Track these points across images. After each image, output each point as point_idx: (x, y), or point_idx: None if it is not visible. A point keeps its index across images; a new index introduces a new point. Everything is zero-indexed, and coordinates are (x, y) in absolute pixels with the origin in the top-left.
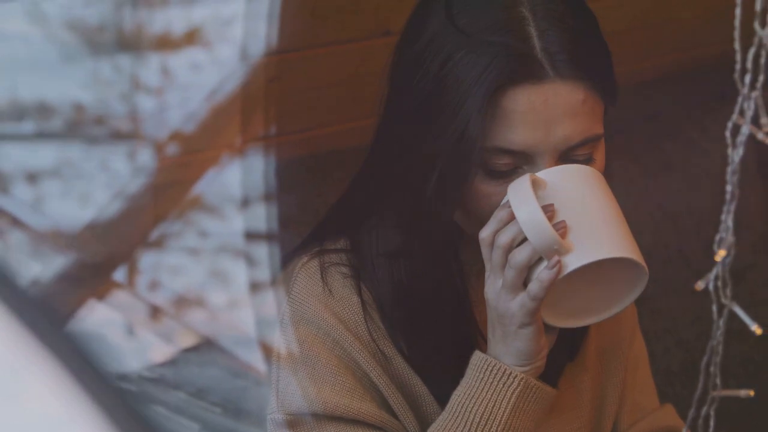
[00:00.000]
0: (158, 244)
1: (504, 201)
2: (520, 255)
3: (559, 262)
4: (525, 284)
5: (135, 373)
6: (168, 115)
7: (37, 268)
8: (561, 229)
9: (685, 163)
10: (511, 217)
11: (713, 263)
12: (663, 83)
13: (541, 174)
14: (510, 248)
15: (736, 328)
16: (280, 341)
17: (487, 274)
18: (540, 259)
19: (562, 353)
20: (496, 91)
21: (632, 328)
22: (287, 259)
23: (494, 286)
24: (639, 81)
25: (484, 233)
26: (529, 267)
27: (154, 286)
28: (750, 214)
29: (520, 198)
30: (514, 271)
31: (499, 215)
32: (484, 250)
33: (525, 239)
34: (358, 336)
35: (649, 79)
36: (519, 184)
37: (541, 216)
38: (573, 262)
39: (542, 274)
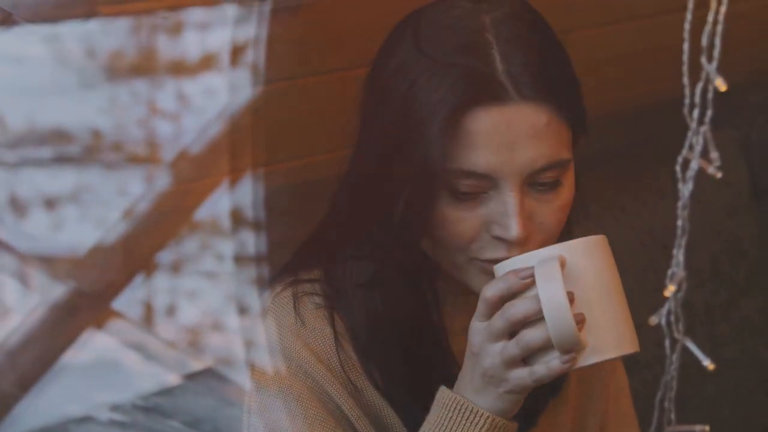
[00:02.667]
0: (174, 268)
1: (512, 265)
2: (534, 339)
3: (574, 358)
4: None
5: (128, 402)
6: (184, 140)
7: (35, 298)
8: (580, 323)
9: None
10: (521, 288)
11: (701, 288)
12: (655, 109)
13: (559, 248)
14: (520, 324)
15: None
16: (253, 372)
17: (478, 326)
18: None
19: (545, 389)
20: (458, 113)
21: None
22: (265, 289)
23: (489, 349)
24: (632, 107)
25: (489, 292)
26: None
27: (169, 311)
28: (745, 241)
29: (550, 285)
30: (521, 350)
31: (510, 281)
32: (482, 306)
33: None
34: (329, 367)
35: (642, 105)
36: (548, 268)
37: (569, 314)
38: (584, 358)
39: (554, 364)
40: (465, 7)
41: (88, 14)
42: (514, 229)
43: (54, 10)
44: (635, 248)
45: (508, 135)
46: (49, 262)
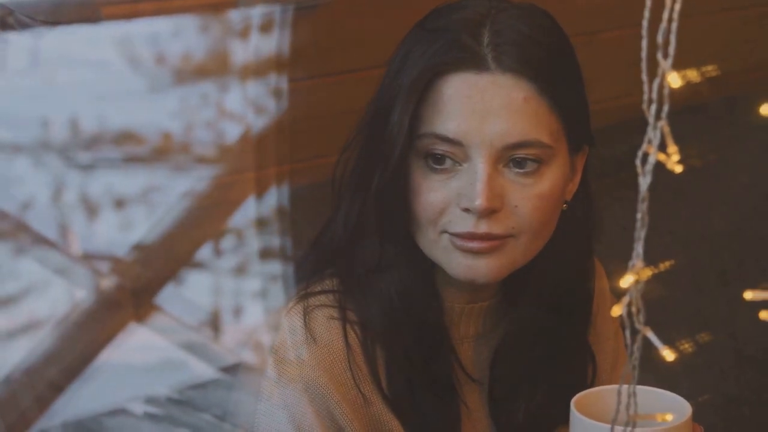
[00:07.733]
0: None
1: None
2: None
3: None
4: None
5: (163, 395)
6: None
7: (79, 293)
8: None
9: (698, 189)
10: None
11: (725, 289)
12: (681, 111)
13: None
14: None
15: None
16: (263, 391)
17: None
18: None
19: (560, 416)
20: (433, 75)
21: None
22: (288, 286)
23: None
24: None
25: None
26: None
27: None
28: None
29: None
30: None
31: None
32: None
33: None
34: (340, 383)
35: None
36: None
37: None
38: None
39: None
40: (476, 3)
41: (92, 17)
42: (478, 198)
43: (57, 12)
44: (656, 248)
45: (481, 103)
46: (112, 261)
